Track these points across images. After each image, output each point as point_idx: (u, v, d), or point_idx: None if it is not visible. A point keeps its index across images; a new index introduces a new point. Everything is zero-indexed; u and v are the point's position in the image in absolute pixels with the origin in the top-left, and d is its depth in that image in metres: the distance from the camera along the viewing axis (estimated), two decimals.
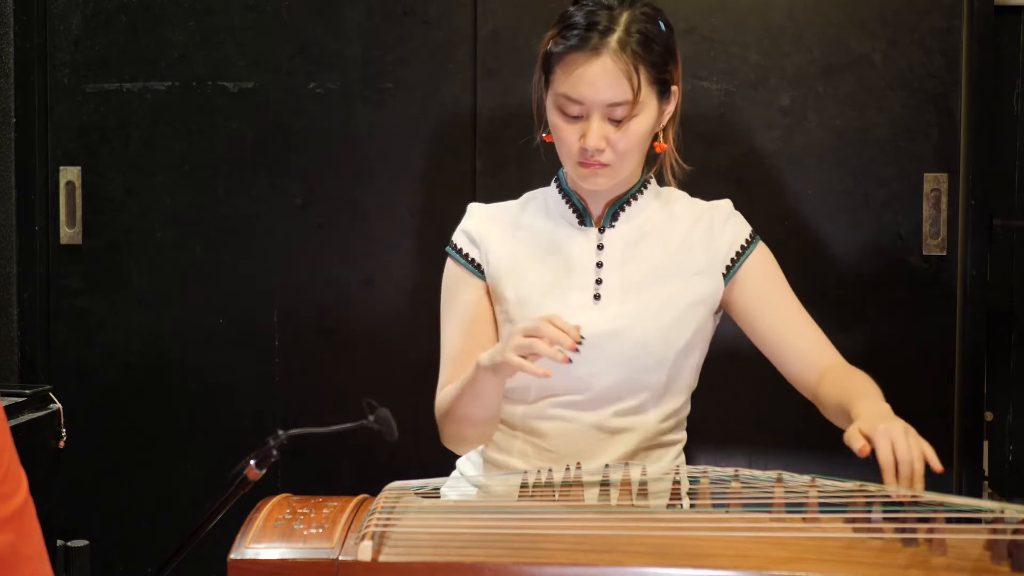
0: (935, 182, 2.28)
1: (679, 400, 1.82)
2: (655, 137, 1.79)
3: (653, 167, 1.86)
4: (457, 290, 1.85)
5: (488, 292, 1.83)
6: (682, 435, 1.87)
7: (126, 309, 2.47)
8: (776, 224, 2.31)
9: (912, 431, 1.48)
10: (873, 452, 1.46)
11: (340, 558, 1.29)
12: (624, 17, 1.68)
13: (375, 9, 2.38)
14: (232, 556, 1.32)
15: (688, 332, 1.77)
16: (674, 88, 1.76)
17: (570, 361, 1.52)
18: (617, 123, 1.68)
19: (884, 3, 2.27)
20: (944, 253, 2.28)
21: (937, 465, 1.42)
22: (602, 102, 1.67)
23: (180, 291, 2.46)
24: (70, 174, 2.47)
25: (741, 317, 1.83)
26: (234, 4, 2.42)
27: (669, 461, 1.82)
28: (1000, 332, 2.41)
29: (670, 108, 1.77)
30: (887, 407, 1.61)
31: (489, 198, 2.31)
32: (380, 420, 1.40)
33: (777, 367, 1.82)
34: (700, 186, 2.32)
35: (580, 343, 1.52)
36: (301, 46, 2.41)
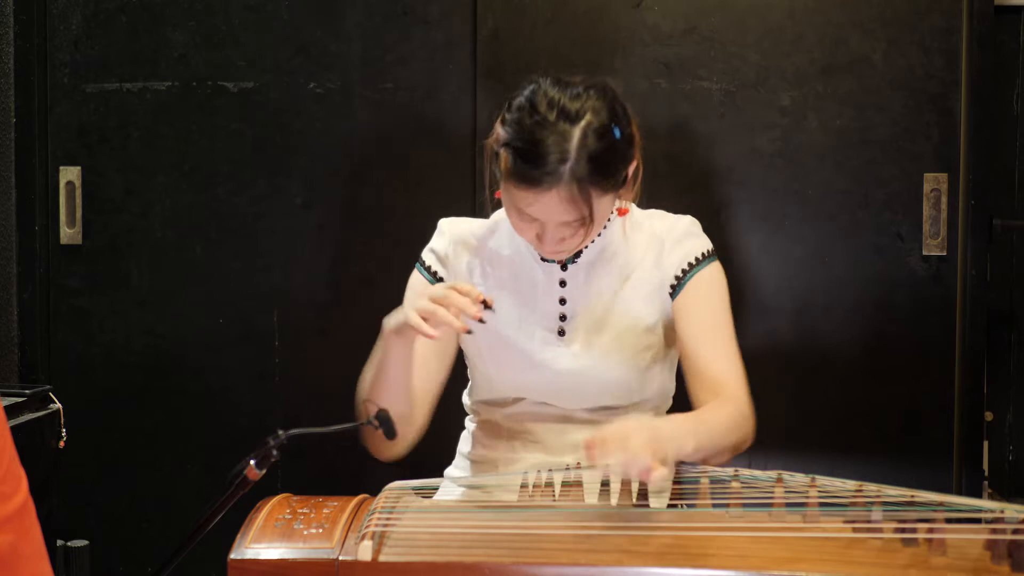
0: (935, 182, 2.28)
1: (661, 384, 1.83)
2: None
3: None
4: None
5: None
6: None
7: (126, 309, 2.47)
8: (776, 224, 2.31)
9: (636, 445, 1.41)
10: None
11: (340, 558, 1.29)
12: (575, 139, 1.58)
13: (375, 9, 2.38)
14: (232, 556, 1.32)
15: (652, 352, 1.78)
16: (632, 166, 1.68)
17: (469, 331, 1.53)
18: (574, 228, 1.64)
19: (884, 3, 2.27)
20: (944, 253, 2.28)
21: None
22: (556, 221, 1.63)
23: (180, 291, 2.46)
24: (70, 174, 2.47)
25: (676, 328, 1.79)
26: (234, 4, 2.42)
27: None
28: (1000, 332, 2.41)
29: (629, 184, 1.70)
30: (673, 425, 1.57)
31: (489, 198, 2.31)
32: (380, 420, 1.41)
33: (687, 387, 1.79)
34: (701, 186, 2.33)
35: (489, 307, 1.53)
36: (301, 46, 2.41)
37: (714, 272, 1.79)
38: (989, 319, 2.32)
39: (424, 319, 1.54)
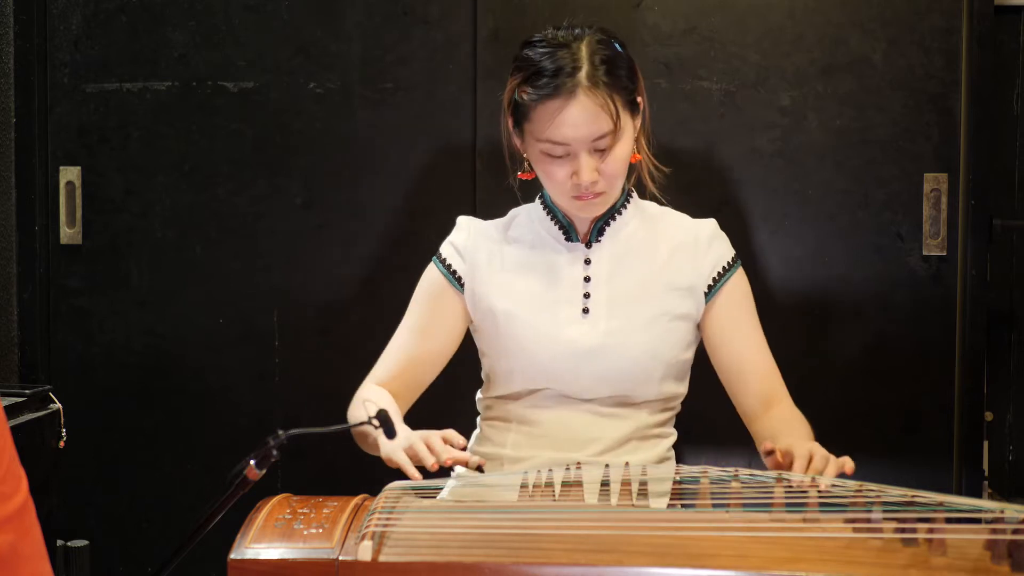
0: (935, 182, 2.28)
1: (674, 390, 1.87)
2: None
3: (632, 177, 1.88)
4: (430, 295, 1.89)
5: (463, 307, 1.88)
6: (673, 431, 1.92)
7: (126, 309, 2.47)
8: (776, 224, 2.31)
9: (831, 458, 1.56)
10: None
11: (340, 558, 1.30)
12: (584, 50, 1.71)
13: (375, 9, 2.38)
14: (232, 556, 1.32)
15: (676, 346, 1.83)
16: (639, 100, 1.78)
17: (440, 468, 1.58)
18: (602, 152, 1.72)
19: (884, 3, 2.27)
20: (944, 253, 2.28)
21: (851, 470, 1.52)
22: (587, 139, 1.70)
23: (180, 291, 2.46)
24: (70, 174, 2.47)
25: (708, 338, 1.87)
26: (234, 4, 2.42)
27: (664, 450, 1.87)
28: (1000, 332, 2.41)
29: (639, 119, 1.80)
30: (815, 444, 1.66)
31: (489, 198, 2.31)
32: (380, 420, 1.40)
33: (728, 391, 1.88)
34: (701, 186, 2.33)
35: (480, 469, 1.60)
36: (301, 46, 2.41)
37: (744, 279, 1.88)
38: (989, 319, 2.32)
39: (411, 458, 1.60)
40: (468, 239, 1.88)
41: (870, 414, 2.31)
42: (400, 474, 1.61)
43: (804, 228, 2.31)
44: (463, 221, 1.92)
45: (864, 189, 2.29)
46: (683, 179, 2.32)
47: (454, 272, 1.87)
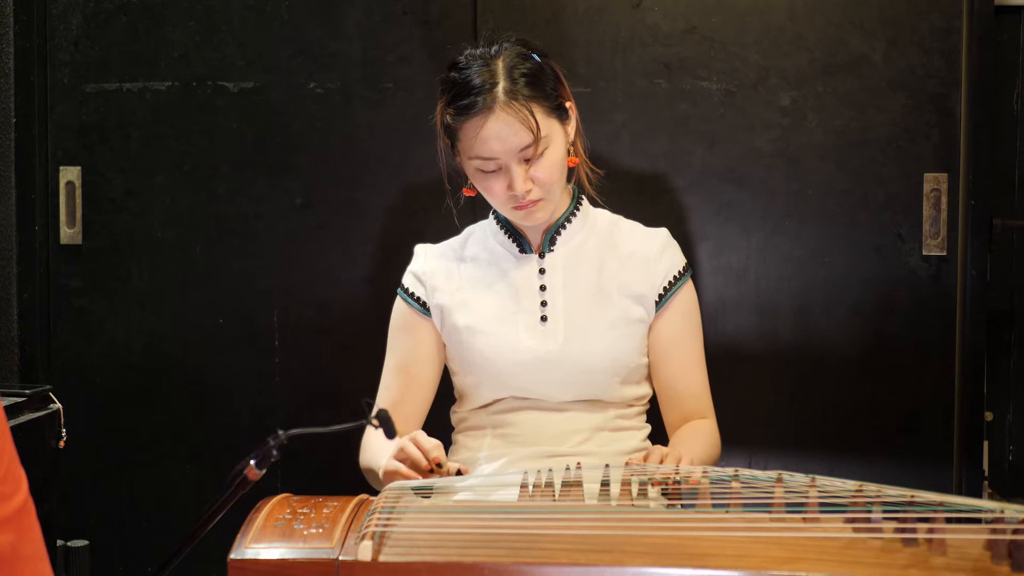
0: (935, 182, 2.28)
1: (636, 392, 1.90)
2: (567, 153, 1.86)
3: (572, 180, 1.92)
4: (403, 329, 1.95)
5: (435, 331, 1.92)
6: (647, 424, 1.95)
7: (126, 309, 2.47)
8: (776, 224, 2.31)
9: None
10: None
11: (340, 558, 1.30)
12: (500, 65, 1.76)
13: (375, 9, 2.38)
14: (232, 556, 1.32)
15: (633, 350, 1.87)
16: (568, 105, 1.82)
17: (431, 473, 1.62)
18: (531, 160, 1.76)
19: (884, 3, 2.27)
20: (944, 253, 2.28)
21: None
22: (512, 151, 1.75)
23: (180, 291, 2.46)
24: (70, 174, 2.47)
25: (650, 348, 1.90)
26: (234, 4, 2.41)
27: (638, 442, 1.90)
28: (1000, 332, 2.41)
29: (572, 124, 1.84)
30: (695, 448, 1.76)
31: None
32: (380, 420, 1.41)
33: (658, 400, 1.92)
34: (701, 186, 2.33)
35: (437, 467, 1.63)
36: (301, 46, 2.41)
37: (692, 291, 1.92)
38: (989, 319, 2.32)
39: (401, 461, 1.64)
40: (425, 264, 1.94)
41: (870, 414, 2.31)
42: None
43: (804, 228, 2.31)
44: (419, 249, 1.98)
45: (864, 189, 2.29)
46: (683, 179, 2.32)
47: (418, 299, 1.92)
